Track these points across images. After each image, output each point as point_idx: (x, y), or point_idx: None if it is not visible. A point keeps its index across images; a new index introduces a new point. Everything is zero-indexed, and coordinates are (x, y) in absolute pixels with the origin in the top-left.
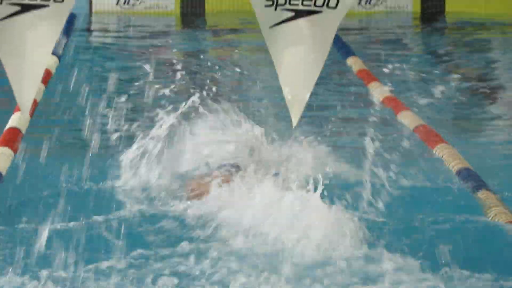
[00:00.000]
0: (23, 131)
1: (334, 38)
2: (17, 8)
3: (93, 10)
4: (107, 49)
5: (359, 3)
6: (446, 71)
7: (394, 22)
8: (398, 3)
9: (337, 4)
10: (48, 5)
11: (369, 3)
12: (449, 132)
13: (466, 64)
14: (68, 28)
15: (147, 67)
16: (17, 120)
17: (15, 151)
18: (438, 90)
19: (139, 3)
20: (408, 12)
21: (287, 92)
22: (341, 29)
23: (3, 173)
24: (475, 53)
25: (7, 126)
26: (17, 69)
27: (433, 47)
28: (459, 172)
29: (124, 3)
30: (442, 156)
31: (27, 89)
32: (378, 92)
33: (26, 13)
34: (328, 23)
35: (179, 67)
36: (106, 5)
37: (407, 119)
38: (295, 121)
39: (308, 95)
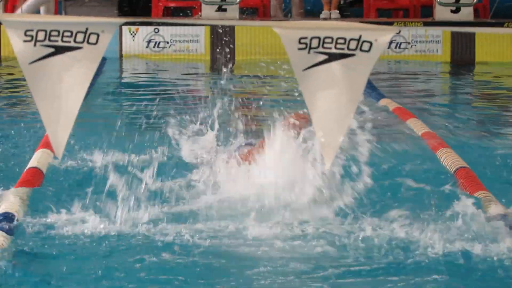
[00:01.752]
0: (44, 172)
1: (367, 84)
2: (51, 50)
3: (123, 53)
4: (136, 88)
5: (389, 47)
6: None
7: (423, 66)
8: (428, 47)
9: (370, 48)
10: (81, 47)
11: (399, 47)
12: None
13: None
14: (97, 70)
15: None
16: (38, 160)
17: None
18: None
19: (169, 46)
20: (438, 57)
21: (320, 135)
22: (371, 73)
23: (17, 217)
24: (498, 99)
25: (29, 165)
26: (51, 112)
27: (460, 93)
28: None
29: (154, 46)
30: (484, 206)
31: (61, 132)
32: (417, 127)
33: (60, 55)
34: (361, 67)
35: (203, 106)
36: (136, 48)
37: (448, 159)
38: (328, 163)
39: (341, 138)
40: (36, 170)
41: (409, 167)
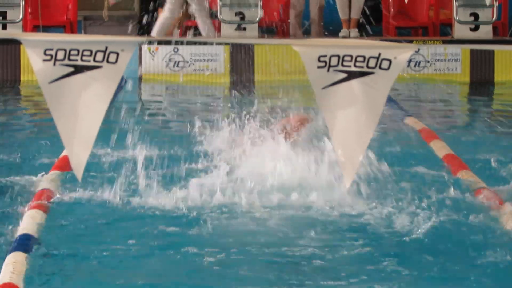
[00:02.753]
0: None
1: (390, 100)
2: (71, 69)
3: (143, 72)
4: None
5: (408, 65)
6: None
7: (442, 85)
8: (447, 66)
9: (389, 66)
10: (101, 66)
11: (418, 66)
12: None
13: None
14: (116, 90)
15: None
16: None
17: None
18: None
19: (188, 66)
20: (457, 75)
21: (340, 154)
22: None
23: (35, 235)
24: None
25: (42, 187)
26: (71, 131)
27: (480, 112)
28: None
29: (174, 66)
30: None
31: (81, 152)
32: (440, 150)
33: (79, 74)
34: (380, 85)
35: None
36: (156, 68)
37: (467, 180)
38: (348, 182)
39: (361, 157)
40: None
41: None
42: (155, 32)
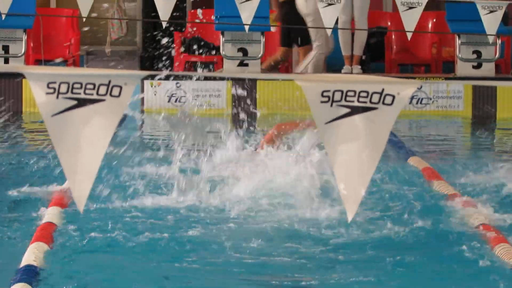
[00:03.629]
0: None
1: (394, 140)
2: (74, 103)
3: (145, 107)
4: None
5: (410, 102)
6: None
7: (444, 122)
8: (450, 103)
9: (393, 101)
10: (104, 100)
11: (420, 103)
12: None
13: None
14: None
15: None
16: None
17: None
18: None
19: (192, 101)
20: (459, 112)
21: (342, 188)
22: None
23: (38, 266)
24: None
25: (44, 220)
26: (73, 164)
27: (482, 149)
28: None
29: (176, 101)
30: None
31: (83, 185)
32: (444, 190)
33: (82, 108)
34: (383, 120)
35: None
36: (158, 103)
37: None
38: (350, 216)
39: (363, 191)
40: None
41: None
42: (309, 70)
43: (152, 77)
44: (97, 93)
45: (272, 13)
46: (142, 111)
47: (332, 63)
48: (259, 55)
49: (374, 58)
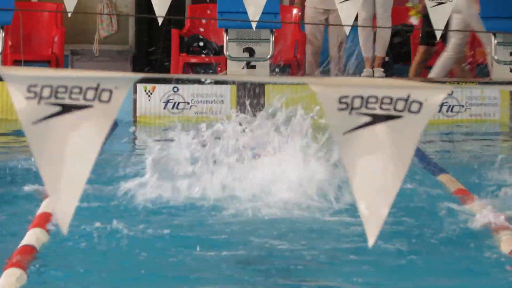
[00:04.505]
0: (38, 249)
1: (420, 155)
2: (58, 109)
3: (137, 114)
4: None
5: (439, 110)
6: None
7: (479, 132)
8: (484, 111)
9: (420, 109)
10: (92, 106)
11: (451, 111)
12: None
13: None
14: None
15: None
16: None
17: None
18: None
19: (190, 108)
20: (495, 120)
21: (363, 207)
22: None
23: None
24: None
25: (22, 243)
26: (56, 178)
27: None
28: None
29: (173, 107)
30: None
31: (67, 202)
32: (478, 210)
33: (67, 114)
34: (409, 130)
35: None
36: (152, 109)
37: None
38: (371, 240)
39: (386, 211)
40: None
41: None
42: (433, 73)
43: (146, 80)
44: (84, 98)
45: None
46: (135, 119)
47: (351, 65)
48: (268, 56)
49: (399, 59)
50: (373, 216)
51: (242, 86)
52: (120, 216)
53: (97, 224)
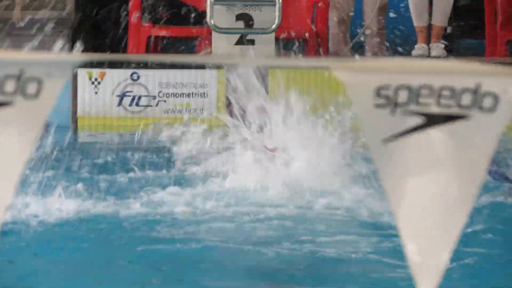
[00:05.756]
0: None
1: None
2: None
3: (78, 114)
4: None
5: None
6: None
7: None
8: None
9: (495, 105)
10: (12, 102)
11: None
12: None
13: None
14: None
15: None
16: None
17: None
18: None
19: (156, 104)
20: None
21: (411, 250)
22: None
23: None
24: None
25: None
26: None
27: None
28: None
29: (131, 104)
30: None
31: None
32: None
33: None
34: (480, 136)
35: None
36: (100, 107)
37: None
38: None
39: (447, 257)
40: None
41: None
42: None
43: (92, 64)
44: (1, 92)
45: None
46: (75, 120)
47: (397, 39)
48: (273, 26)
49: (467, 31)
50: (427, 261)
51: (234, 72)
52: None
53: None
